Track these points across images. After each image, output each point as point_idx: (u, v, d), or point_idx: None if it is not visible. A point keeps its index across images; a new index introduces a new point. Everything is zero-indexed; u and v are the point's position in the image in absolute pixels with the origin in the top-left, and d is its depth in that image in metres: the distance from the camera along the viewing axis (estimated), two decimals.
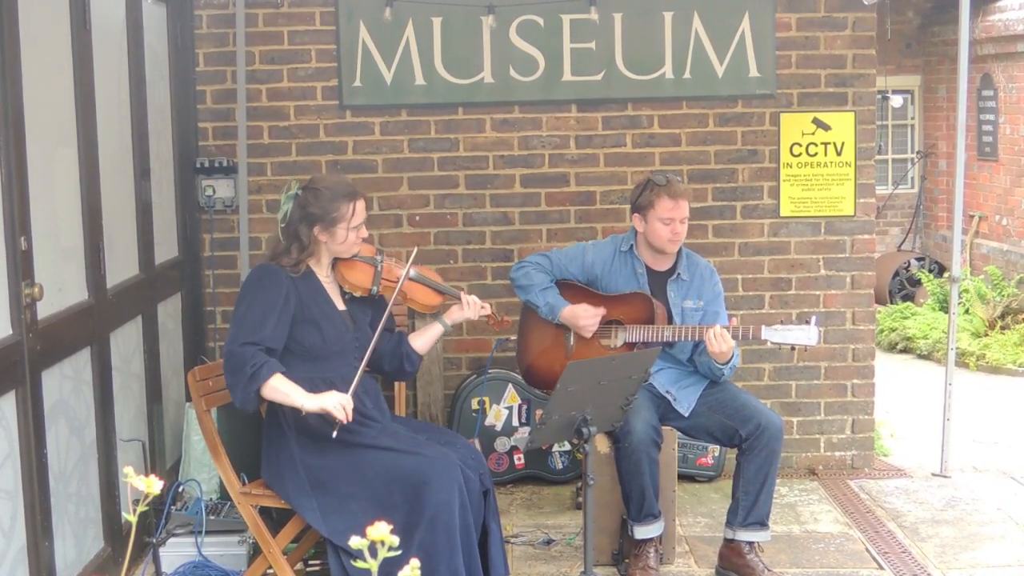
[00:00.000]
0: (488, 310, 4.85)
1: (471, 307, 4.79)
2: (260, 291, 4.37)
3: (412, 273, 4.69)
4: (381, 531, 1.72)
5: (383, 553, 1.72)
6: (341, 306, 4.58)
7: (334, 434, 4.27)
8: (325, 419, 4.29)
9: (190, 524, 5.19)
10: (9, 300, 3.97)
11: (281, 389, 4.26)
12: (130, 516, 1.91)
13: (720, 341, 4.92)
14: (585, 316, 5.20)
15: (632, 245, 5.31)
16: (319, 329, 4.43)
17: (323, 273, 4.55)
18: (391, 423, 4.63)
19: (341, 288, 4.60)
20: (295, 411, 4.36)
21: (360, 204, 4.49)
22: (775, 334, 4.99)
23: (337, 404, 4.25)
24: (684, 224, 5.18)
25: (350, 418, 4.27)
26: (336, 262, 4.57)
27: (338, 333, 4.49)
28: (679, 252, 5.30)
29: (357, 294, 4.59)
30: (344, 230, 4.46)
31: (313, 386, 4.34)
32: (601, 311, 5.20)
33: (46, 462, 4.20)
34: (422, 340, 4.83)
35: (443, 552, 4.22)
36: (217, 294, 6.51)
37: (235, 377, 4.26)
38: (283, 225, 4.47)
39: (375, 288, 4.58)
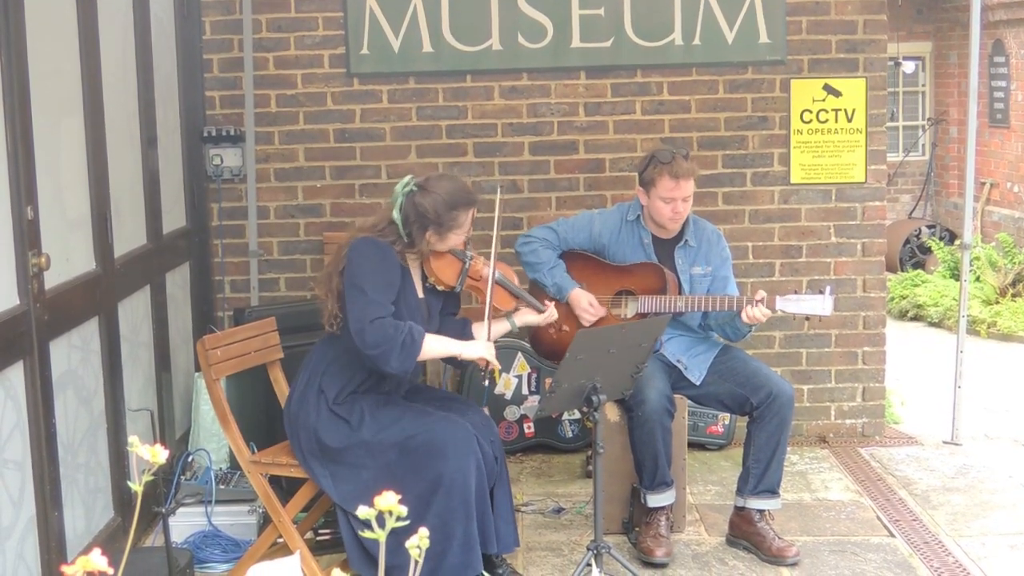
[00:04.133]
0: (556, 316, 4.88)
1: (549, 318, 4.84)
2: (380, 265, 4.36)
3: (497, 276, 4.66)
4: (389, 501, 1.70)
5: (391, 523, 1.70)
6: (420, 294, 4.58)
7: (486, 383, 4.59)
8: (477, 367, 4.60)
9: (200, 494, 5.19)
10: (16, 270, 3.95)
11: (436, 346, 4.44)
12: (135, 486, 1.89)
13: (760, 319, 4.92)
14: (587, 310, 5.18)
15: (639, 215, 5.27)
16: (401, 317, 4.41)
17: (412, 260, 4.55)
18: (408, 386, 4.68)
19: (424, 275, 4.60)
20: (320, 383, 4.42)
21: (474, 212, 4.54)
22: (789, 304, 4.96)
23: (492, 352, 4.51)
24: (687, 202, 5.12)
25: (499, 365, 4.54)
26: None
27: (415, 322, 4.47)
28: (686, 218, 5.27)
29: (440, 288, 4.60)
30: (457, 236, 4.49)
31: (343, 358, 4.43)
32: (601, 312, 5.18)
33: (54, 432, 4.20)
34: (486, 332, 4.72)
35: (459, 519, 4.25)
36: (225, 263, 6.50)
37: (384, 349, 4.26)
38: (401, 217, 4.43)
39: (459, 287, 4.60)
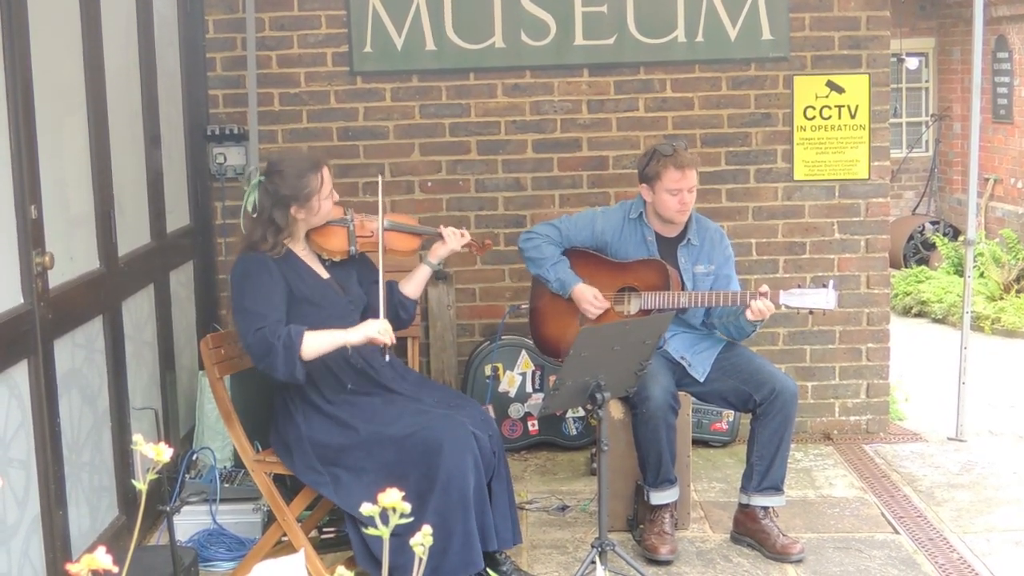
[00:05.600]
0: (468, 238, 4.87)
1: (453, 238, 4.81)
2: (253, 279, 4.40)
3: (386, 223, 4.69)
4: (392, 498, 1.70)
5: (394, 520, 1.71)
6: (325, 274, 4.61)
7: (387, 358, 4.47)
8: (369, 351, 4.49)
9: (204, 492, 5.19)
10: (20, 269, 3.95)
11: (320, 341, 4.33)
12: (140, 484, 1.89)
13: (765, 313, 4.91)
14: (592, 303, 5.18)
15: (641, 212, 5.26)
16: (314, 305, 4.46)
17: (299, 248, 4.57)
18: (405, 382, 4.66)
19: (319, 256, 4.62)
20: (301, 388, 4.42)
21: (326, 172, 4.53)
22: (792, 298, 4.96)
23: (378, 330, 4.38)
24: (692, 193, 5.13)
25: (394, 340, 4.42)
26: (309, 233, 4.58)
27: (332, 303, 4.53)
28: (688, 216, 5.26)
29: (337, 259, 4.62)
30: (318, 201, 4.48)
31: (325, 358, 4.38)
32: (606, 305, 5.18)
33: (59, 431, 4.20)
34: (412, 285, 4.86)
35: (458, 516, 4.24)
36: (229, 262, 6.48)
37: (269, 359, 4.28)
38: (255, 215, 4.48)
39: (353, 248, 4.60)
